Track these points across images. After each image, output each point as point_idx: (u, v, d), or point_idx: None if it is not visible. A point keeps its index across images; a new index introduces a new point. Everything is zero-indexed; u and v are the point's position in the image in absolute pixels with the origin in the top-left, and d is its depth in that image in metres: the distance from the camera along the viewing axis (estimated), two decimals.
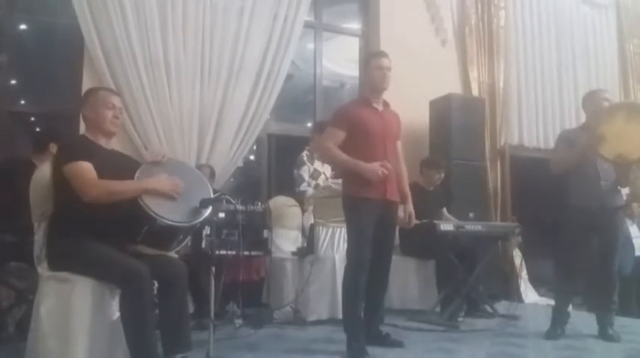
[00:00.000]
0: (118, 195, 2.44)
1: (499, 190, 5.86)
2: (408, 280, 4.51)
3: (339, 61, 6.16)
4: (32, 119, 5.54)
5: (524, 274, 5.48)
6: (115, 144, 2.80)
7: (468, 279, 4.16)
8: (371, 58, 3.38)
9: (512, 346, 3.36)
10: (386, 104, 3.34)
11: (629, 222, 5.53)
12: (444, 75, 5.83)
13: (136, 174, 2.53)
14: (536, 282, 5.71)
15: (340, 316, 3.35)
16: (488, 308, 4.41)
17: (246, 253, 3.56)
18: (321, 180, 4.52)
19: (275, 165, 5.39)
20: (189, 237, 3.01)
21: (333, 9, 5.95)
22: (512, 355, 3.16)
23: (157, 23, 4.39)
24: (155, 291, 2.51)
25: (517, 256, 5.47)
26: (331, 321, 3.81)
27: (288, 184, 4.68)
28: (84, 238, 2.43)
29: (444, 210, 4.80)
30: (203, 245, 3.46)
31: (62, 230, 2.48)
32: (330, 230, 4.10)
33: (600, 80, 6.90)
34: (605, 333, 3.54)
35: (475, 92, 5.93)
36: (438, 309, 4.16)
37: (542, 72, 6.59)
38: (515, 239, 5.03)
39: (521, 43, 6.48)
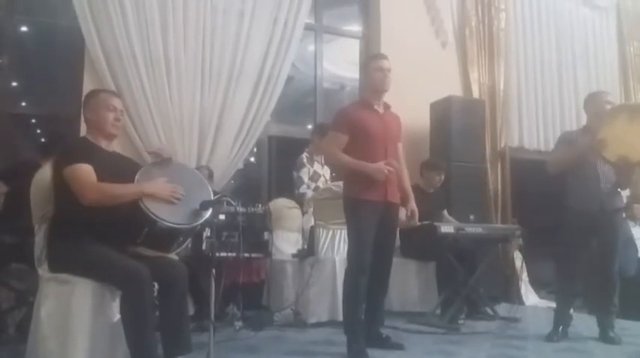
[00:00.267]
0: (117, 199, 2.44)
1: (499, 192, 5.86)
2: (408, 282, 4.50)
3: (340, 63, 6.17)
4: (33, 121, 5.55)
5: (524, 276, 5.49)
6: (115, 146, 2.80)
7: (468, 281, 4.16)
8: (370, 60, 3.39)
9: (513, 348, 3.36)
10: (386, 106, 3.34)
11: (631, 223, 5.54)
12: (444, 77, 5.83)
13: (137, 177, 2.53)
14: (537, 285, 5.71)
15: (340, 318, 3.35)
16: (489, 311, 4.41)
17: (247, 255, 3.56)
18: (320, 183, 4.52)
19: (275, 167, 5.39)
20: (189, 239, 3.00)
21: (334, 11, 5.96)
22: (512, 357, 3.16)
23: (158, 25, 4.39)
24: (155, 293, 2.51)
25: (517, 258, 5.47)
26: (331, 323, 3.80)
27: (288, 186, 4.68)
28: (84, 240, 2.43)
29: (445, 212, 4.79)
30: (203, 247, 3.46)
31: (63, 232, 2.48)
32: (331, 232, 4.10)
33: (601, 82, 6.91)
34: (605, 336, 3.54)
35: (475, 94, 5.94)
36: (438, 311, 4.15)
37: (542, 74, 6.59)
38: (516, 241, 5.03)
39: (522, 45, 6.49)
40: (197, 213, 2.57)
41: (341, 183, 3.44)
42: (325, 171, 4.63)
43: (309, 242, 4.13)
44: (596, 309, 3.73)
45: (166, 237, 2.58)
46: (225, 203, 2.87)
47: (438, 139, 5.42)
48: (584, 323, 3.92)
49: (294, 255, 4.20)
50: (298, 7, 5.01)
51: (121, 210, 2.43)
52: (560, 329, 3.63)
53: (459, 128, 5.33)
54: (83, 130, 3.02)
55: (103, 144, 2.67)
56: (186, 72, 4.48)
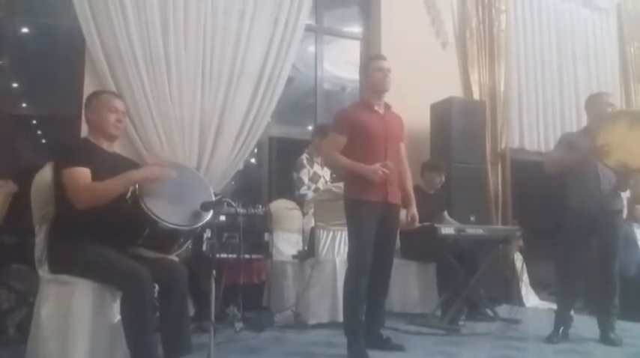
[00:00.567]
0: (109, 194, 2.42)
1: (500, 193, 5.85)
2: (408, 283, 4.50)
3: (340, 64, 6.17)
4: (33, 122, 5.55)
5: (525, 278, 5.48)
6: (115, 147, 2.80)
7: (468, 283, 4.16)
8: (370, 61, 3.40)
9: (513, 350, 3.36)
10: (387, 107, 3.34)
11: (635, 225, 5.54)
12: (444, 78, 5.82)
13: None
14: (537, 286, 5.70)
15: (341, 319, 3.34)
16: (489, 312, 4.41)
17: (247, 256, 3.57)
18: (320, 184, 4.52)
19: (276, 169, 5.38)
20: (190, 240, 3.00)
21: (334, 12, 5.96)
22: None
23: (159, 25, 4.39)
24: (156, 294, 2.51)
25: (518, 259, 5.46)
26: (332, 324, 3.80)
27: (288, 187, 4.68)
28: (84, 241, 2.43)
29: (445, 213, 4.79)
30: (204, 248, 3.46)
31: (63, 232, 2.48)
32: (331, 233, 4.10)
33: (601, 83, 6.90)
34: (606, 337, 3.54)
35: (476, 95, 5.93)
36: (438, 313, 4.15)
37: (542, 75, 6.59)
38: (516, 242, 5.03)
39: (522, 46, 6.48)
40: (198, 214, 2.57)
41: (341, 184, 3.44)
42: (325, 173, 4.63)
43: (310, 243, 4.13)
44: (597, 310, 3.73)
45: (167, 238, 2.58)
46: (225, 204, 2.87)
47: (439, 140, 5.42)
48: (584, 324, 3.93)
49: (294, 256, 4.20)
50: (299, 8, 5.01)
51: (121, 211, 2.43)
52: (561, 330, 3.64)
53: (459, 129, 5.32)
54: (84, 131, 3.02)
55: (104, 145, 2.68)
56: (187, 72, 4.48)
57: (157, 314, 2.50)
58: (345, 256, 3.25)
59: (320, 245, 4.06)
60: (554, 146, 3.90)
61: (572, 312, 3.74)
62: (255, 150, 5.37)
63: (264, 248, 3.81)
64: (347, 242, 3.33)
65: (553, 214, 3.88)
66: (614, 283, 3.59)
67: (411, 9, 5.84)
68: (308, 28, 5.33)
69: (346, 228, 3.24)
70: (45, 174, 2.61)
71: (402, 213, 3.40)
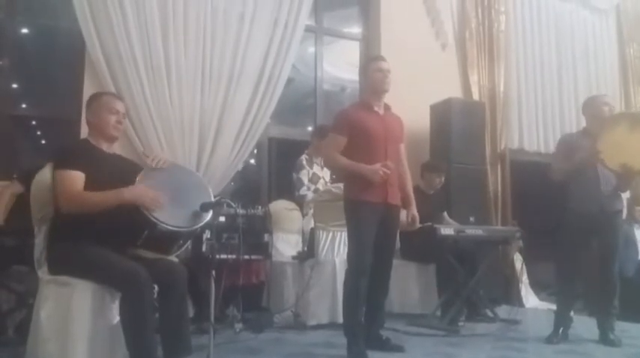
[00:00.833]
0: (92, 207, 2.42)
1: (499, 194, 5.85)
2: (408, 284, 4.50)
3: (340, 64, 6.18)
4: (33, 123, 5.55)
5: (524, 278, 5.49)
6: (115, 148, 2.80)
7: (468, 283, 4.15)
8: (370, 61, 3.40)
9: (513, 350, 3.36)
10: (387, 107, 3.34)
11: (635, 225, 5.54)
12: (444, 79, 5.83)
13: (137, 179, 2.53)
14: (537, 287, 5.70)
15: (340, 320, 3.34)
16: (489, 313, 4.41)
17: (247, 257, 3.56)
18: (320, 184, 4.53)
19: (275, 169, 5.38)
20: (189, 241, 3.00)
21: (334, 13, 5.96)
22: None
23: (158, 27, 4.39)
24: (155, 295, 2.51)
25: (518, 260, 5.47)
26: (331, 325, 3.80)
27: (288, 188, 4.68)
28: (84, 242, 2.43)
29: (445, 214, 4.79)
30: (203, 249, 3.45)
31: (62, 233, 2.48)
32: (331, 234, 4.10)
33: (601, 84, 6.91)
34: (606, 338, 3.54)
35: (475, 96, 5.93)
36: (438, 313, 4.15)
37: (542, 76, 6.59)
38: (516, 243, 5.03)
39: (522, 47, 6.49)
40: (197, 216, 2.57)
41: (341, 185, 3.45)
42: (325, 173, 4.63)
43: (309, 244, 4.13)
44: (597, 311, 3.73)
45: (167, 240, 2.58)
46: (225, 205, 2.87)
47: (438, 141, 5.42)
48: (584, 325, 3.92)
49: (294, 257, 4.20)
50: (298, 9, 5.01)
51: (121, 212, 2.43)
52: (561, 331, 3.64)
53: (459, 130, 5.33)
54: (84, 133, 3.02)
55: (104, 146, 2.68)
56: (187, 73, 4.48)
57: (157, 315, 2.50)
58: (345, 257, 3.25)
59: (320, 246, 4.06)
60: (555, 149, 3.91)
61: (571, 313, 3.74)
62: (255, 151, 5.37)
63: (263, 249, 3.81)
64: (347, 243, 3.33)
65: (553, 215, 3.88)
66: (614, 284, 3.59)
67: (411, 10, 5.84)
68: (308, 29, 5.33)
69: (346, 229, 3.24)
70: (44, 175, 2.61)
71: (403, 214, 3.40)
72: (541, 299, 5.60)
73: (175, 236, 2.58)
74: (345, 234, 3.47)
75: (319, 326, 3.85)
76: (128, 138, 4.23)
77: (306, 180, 4.50)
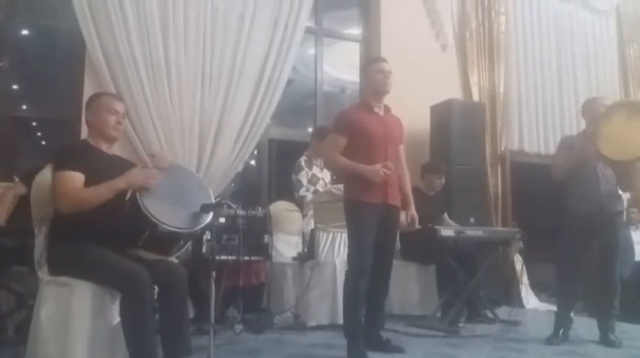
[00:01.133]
0: (90, 201, 2.42)
1: (500, 195, 5.86)
2: (408, 285, 4.49)
3: (340, 66, 6.18)
4: (33, 124, 5.55)
5: (525, 279, 5.48)
6: (115, 149, 2.80)
7: (468, 284, 4.15)
8: (371, 62, 3.40)
9: (513, 351, 3.36)
10: (387, 109, 3.34)
11: (632, 227, 5.54)
12: (444, 80, 5.83)
13: None
14: (537, 288, 5.70)
15: (341, 321, 3.34)
16: (489, 314, 4.40)
17: (247, 258, 3.56)
18: (319, 186, 4.53)
19: (276, 170, 5.39)
20: (189, 242, 3.00)
21: (334, 14, 5.96)
22: None
23: (158, 27, 4.39)
24: (155, 296, 2.51)
25: (518, 261, 5.47)
26: (332, 326, 3.80)
27: (288, 189, 4.68)
28: (84, 242, 2.43)
29: (445, 215, 4.79)
30: (203, 250, 3.45)
31: (62, 234, 2.48)
32: (331, 235, 4.10)
33: (601, 85, 6.92)
34: (606, 339, 3.54)
35: (475, 97, 5.94)
36: (438, 314, 4.14)
37: (542, 77, 6.60)
38: (516, 244, 5.03)
39: (522, 48, 6.50)
40: (198, 217, 2.57)
41: (341, 186, 3.44)
42: (325, 175, 4.64)
43: (310, 245, 4.13)
44: (597, 312, 3.73)
45: (167, 241, 2.58)
46: (225, 206, 2.87)
47: (438, 142, 5.42)
48: (584, 326, 3.93)
49: (294, 258, 4.19)
50: (299, 10, 5.01)
51: (121, 213, 2.43)
52: (561, 332, 3.63)
53: (459, 131, 5.33)
54: (84, 133, 3.02)
55: (104, 147, 2.68)
56: (187, 74, 4.48)
57: (157, 316, 2.50)
58: (345, 258, 3.25)
59: (320, 247, 4.06)
60: (556, 151, 3.91)
61: (572, 314, 3.73)
62: (255, 152, 5.37)
63: (263, 250, 3.81)
64: (347, 243, 3.33)
65: (553, 216, 3.88)
66: (614, 285, 3.59)
67: (411, 11, 5.85)
68: (308, 30, 5.33)
69: (346, 230, 3.24)
70: (45, 176, 2.61)
71: (402, 215, 3.40)
72: (541, 300, 5.59)
73: (176, 237, 2.58)
74: (345, 235, 3.47)
75: (319, 327, 3.85)
76: (128, 138, 4.24)
77: (305, 182, 4.51)
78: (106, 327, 2.39)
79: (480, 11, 6.13)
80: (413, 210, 3.42)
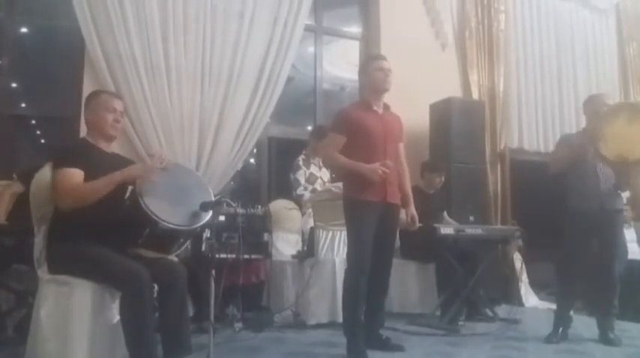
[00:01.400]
0: (90, 196, 2.42)
1: (499, 193, 5.86)
2: (408, 283, 4.50)
3: (340, 64, 6.17)
4: (33, 122, 5.55)
5: (524, 278, 5.48)
6: (114, 147, 2.80)
7: (468, 283, 4.15)
8: (370, 60, 3.39)
9: (513, 350, 3.36)
10: (386, 107, 3.34)
11: (625, 225, 5.54)
12: (444, 78, 5.83)
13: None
14: (537, 286, 5.70)
15: (340, 319, 3.34)
16: (489, 312, 4.41)
17: (246, 256, 3.56)
18: (318, 185, 4.54)
19: (275, 168, 5.39)
20: (189, 240, 3.00)
21: (334, 12, 5.95)
22: None
23: (158, 26, 4.38)
24: (155, 294, 2.51)
25: (517, 260, 5.46)
26: (331, 325, 3.80)
27: (288, 187, 4.68)
28: (84, 241, 2.43)
29: (445, 213, 4.79)
30: (203, 248, 3.45)
31: (62, 233, 2.48)
32: (330, 233, 4.10)
33: (600, 83, 6.92)
34: (605, 337, 3.54)
35: (475, 95, 5.94)
36: (438, 313, 4.15)
37: (542, 75, 6.60)
38: (516, 242, 5.03)
39: (521, 47, 6.49)
40: (197, 215, 2.57)
41: (340, 184, 3.45)
42: (323, 173, 4.64)
43: (309, 243, 4.13)
44: (596, 311, 3.73)
45: (167, 239, 2.59)
46: (224, 204, 2.87)
47: (438, 140, 5.42)
48: (584, 324, 3.93)
49: (293, 256, 4.20)
50: (298, 8, 5.00)
51: (121, 210, 2.43)
52: (560, 330, 3.64)
53: (458, 129, 5.33)
54: (83, 132, 3.02)
55: (103, 145, 2.68)
56: (186, 73, 4.48)
57: (157, 314, 2.50)
58: (345, 256, 3.25)
59: (319, 245, 4.06)
60: (555, 148, 3.91)
61: (571, 312, 3.74)
62: (255, 150, 5.37)
63: (263, 248, 3.81)
64: (346, 242, 3.33)
65: (552, 214, 3.88)
66: (613, 283, 3.59)
67: (411, 9, 5.85)
68: (307, 28, 5.32)
69: (345, 228, 3.24)
70: (44, 174, 2.60)
71: (402, 214, 3.41)
72: (541, 298, 5.59)
73: (176, 234, 2.59)
74: (344, 234, 3.46)
75: (319, 326, 3.85)
76: (127, 137, 4.24)
77: (302, 181, 4.52)
78: (105, 326, 2.39)
79: (479, 10, 6.12)
80: (413, 209, 3.42)
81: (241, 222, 3.36)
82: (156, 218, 2.41)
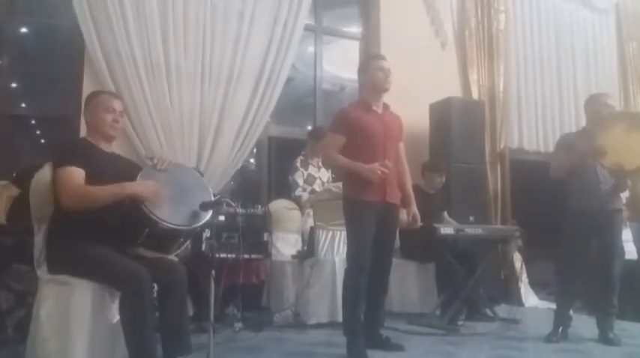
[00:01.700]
0: (97, 201, 2.41)
1: (499, 193, 5.86)
2: (408, 283, 4.50)
3: (340, 64, 6.17)
4: (32, 122, 5.55)
5: (524, 277, 5.48)
6: (114, 147, 2.80)
7: (468, 283, 4.15)
8: (371, 60, 3.38)
9: (513, 350, 3.36)
10: (386, 106, 3.33)
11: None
12: (443, 78, 5.83)
13: (137, 178, 2.53)
14: (537, 286, 5.70)
15: (340, 319, 3.34)
16: (489, 312, 4.41)
17: (246, 256, 3.56)
18: (316, 185, 4.55)
19: (275, 168, 5.39)
20: (189, 240, 3.00)
21: (334, 12, 5.96)
22: None
23: (158, 26, 4.39)
24: (155, 294, 2.51)
25: (517, 259, 5.47)
26: (331, 324, 3.80)
27: (288, 187, 4.69)
28: (83, 241, 2.42)
29: (445, 213, 4.79)
30: (203, 248, 3.45)
31: (62, 232, 2.47)
32: (330, 233, 4.10)
33: (600, 82, 6.92)
34: (605, 337, 3.54)
35: (475, 95, 5.94)
36: (438, 313, 4.15)
37: (541, 75, 6.60)
38: (516, 242, 5.03)
39: (521, 46, 6.50)
40: (197, 215, 2.57)
41: (340, 184, 3.45)
42: (322, 174, 4.65)
43: (309, 243, 4.14)
44: (596, 310, 3.74)
45: (167, 238, 2.58)
46: (224, 204, 2.87)
47: (438, 140, 5.42)
48: (583, 324, 3.93)
49: (293, 256, 4.20)
50: (298, 8, 5.00)
51: (121, 210, 2.43)
52: (560, 330, 3.64)
53: (458, 129, 5.33)
54: (83, 132, 3.02)
55: (102, 145, 2.68)
56: (186, 72, 4.48)
57: (157, 314, 2.50)
58: (345, 256, 3.24)
59: (319, 245, 4.06)
60: (554, 149, 3.92)
61: (571, 312, 3.74)
62: (255, 150, 5.37)
63: (263, 248, 3.81)
64: (346, 242, 3.33)
65: (552, 214, 3.88)
66: (613, 283, 3.59)
67: (411, 9, 5.85)
68: (307, 28, 5.33)
69: (345, 228, 3.24)
70: (44, 174, 2.60)
71: (403, 213, 3.41)
72: (540, 298, 5.60)
73: (176, 234, 2.58)
74: (344, 233, 3.47)
75: (319, 325, 3.85)
76: (127, 137, 4.24)
77: (301, 182, 4.54)
78: (105, 326, 2.39)
79: (479, 9, 6.12)
80: (414, 208, 3.41)
81: (241, 222, 3.36)
82: (156, 218, 2.41)
